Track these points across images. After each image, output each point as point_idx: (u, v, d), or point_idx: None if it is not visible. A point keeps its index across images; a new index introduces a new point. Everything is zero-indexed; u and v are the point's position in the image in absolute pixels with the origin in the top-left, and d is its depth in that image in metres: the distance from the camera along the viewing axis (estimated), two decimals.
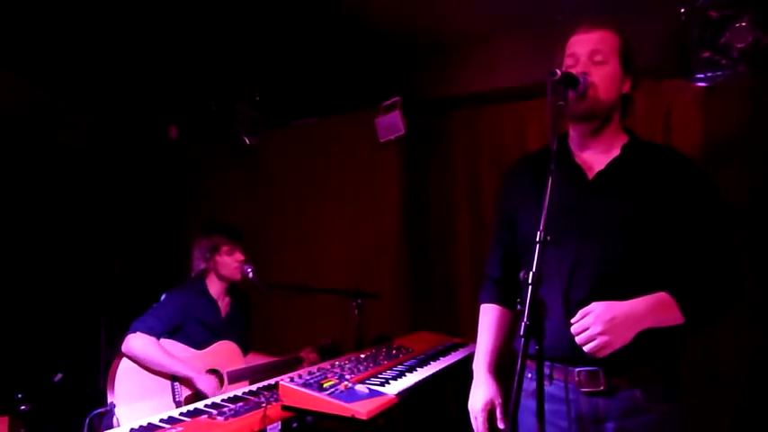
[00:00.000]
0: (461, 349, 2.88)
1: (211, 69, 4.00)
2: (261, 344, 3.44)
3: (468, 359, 1.96)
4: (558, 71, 1.55)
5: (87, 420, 2.48)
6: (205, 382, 2.80)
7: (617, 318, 1.48)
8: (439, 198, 3.72)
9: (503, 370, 1.89)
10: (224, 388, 2.86)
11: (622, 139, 1.75)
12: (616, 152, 1.72)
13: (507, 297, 1.93)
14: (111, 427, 2.43)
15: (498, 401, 1.84)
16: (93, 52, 3.63)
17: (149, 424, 2.10)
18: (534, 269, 1.38)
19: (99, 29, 3.38)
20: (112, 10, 3.18)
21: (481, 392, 1.85)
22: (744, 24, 2.75)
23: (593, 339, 1.47)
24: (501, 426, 1.81)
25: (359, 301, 3.09)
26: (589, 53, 1.68)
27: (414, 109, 3.69)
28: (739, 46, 2.77)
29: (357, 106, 3.88)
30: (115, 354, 2.77)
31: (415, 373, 2.36)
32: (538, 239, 1.41)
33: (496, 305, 1.95)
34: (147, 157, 4.52)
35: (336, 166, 4.01)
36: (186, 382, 2.82)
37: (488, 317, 1.95)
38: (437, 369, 2.48)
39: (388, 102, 3.67)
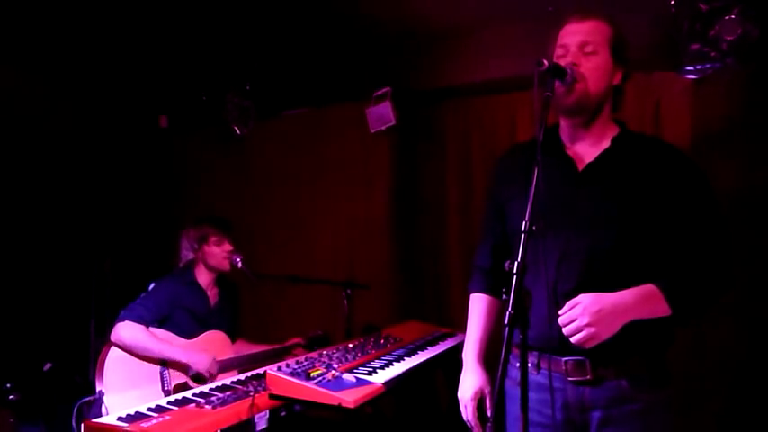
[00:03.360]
0: (450, 339, 2.90)
1: (202, 59, 3.98)
2: (251, 334, 3.45)
3: (457, 348, 1.99)
4: (545, 61, 1.54)
5: (75, 408, 2.48)
6: (198, 358, 2.80)
7: (604, 309, 1.50)
8: (429, 188, 3.73)
9: (492, 359, 1.90)
10: (216, 370, 2.86)
11: (613, 131, 1.75)
12: (606, 144, 1.72)
13: (497, 286, 1.93)
14: (100, 415, 2.43)
15: (488, 390, 1.85)
16: (84, 41, 3.60)
17: (137, 413, 2.10)
18: (519, 259, 1.39)
19: (90, 17, 3.34)
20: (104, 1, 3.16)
21: (470, 381, 1.86)
22: (733, 17, 2.75)
23: (581, 330, 1.48)
24: (490, 414, 1.82)
25: (348, 291, 3.11)
26: (579, 44, 1.67)
27: (404, 99, 3.68)
28: (728, 38, 2.77)
29: (348, 97, 3.87)
30: (104, 343, 2.77)
31: (402, 362, 2.38)
32: (523, 230, 1.41)
33: (486, 294, 1.95)
34: (137, 146, 4.50)
35: (327, 157, 4.00)
36: (177, 367, 2.82)
37: (478, 306, 1.96)
38: (425, 358, 2.49)
39: (379, 92, 3.66)
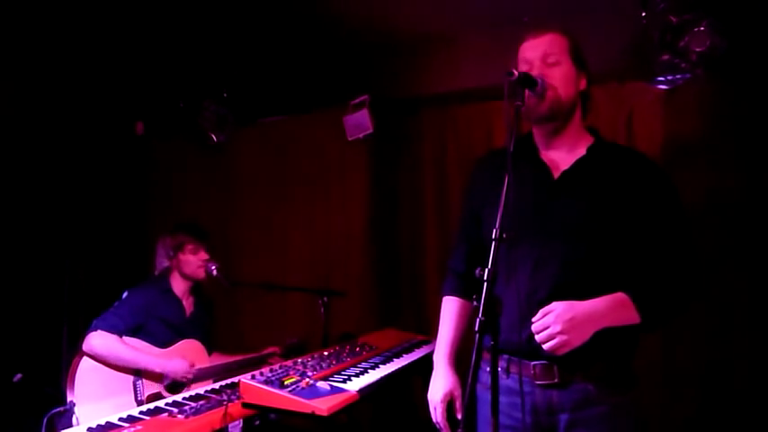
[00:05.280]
0: (426, 346, 2.90)
1: (179, 66, 3.95)
2: (227, 343, 3.42)
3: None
4: (515, 72, 1.58)
5: (45, 420, 2.44)
6: (173, 365, 2.76)
7: (577, 317, 1.52)
8: (407, 196, 3.73)
9: (463, 362, 1.91)
10: (192, 375, 2.83)
11: (587, 140, 1.79)
12: (581, 152, 1.75)
13: (470, 290, 1.94)
14: (71, 426, 2.39)
15: (457, 393, 1.86)
16: (60, 46, 3.56)
17: (108, 423, 2.07)
18: (490, 266, 1.40)
19: (67, 23, 3.31)
20: (81, 6, 3.13)
21: (441, 384, 1.87)
22: (702, 29, 2.82)
23: (553, 338, 1.51)
24: (460, 417, 1.83)
25: (325, 299, 3.09)
26: (541, 56, 1.72)
27: (382, 108, 3.69)
28: (698, 50, 2.84)
29: (326, 105, 3.87)
30: (77, 353, 2.73)
31: (377, 369, 2.38)
32: (494, 237, 1.43)
33: (459, 298, 1.97)
34: (113, 153, 4.44)
35: (304, 165, 3.99)
36: (151, 377, 2.78)
37: (450, 309, 1.97)
38: (400, 366, 2.49)
39: (357, 100, 3.67)
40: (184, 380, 2.79)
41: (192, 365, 2.83)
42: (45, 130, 4.04)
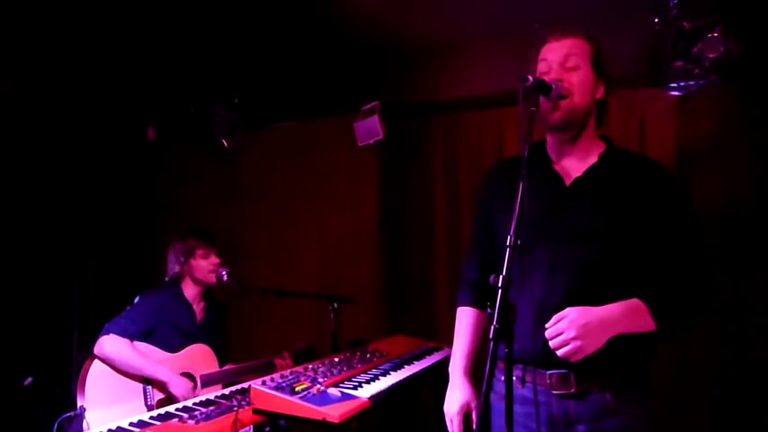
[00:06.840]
0: (436, 353, 2.88)
1: (191, 71, 3.98)
2: (237, 348, 3.41)
3: (445, 363, 1.97)
4: (530, 77, 1.57)
5: (56, 424, 2.44)
6: (178, 385, 2.76)
7: (591, 323, 1.51)
8: (416, 202, 3.73)
9: (479, 373, 1.90)
10: (197, 391, 2.83)
11: (600, 147, 1.78)
12: (593, 159, 1.74)
13: (484, 300, 1.93)
14: (81, 430, 2.39)
15: (474, 404, 1.85)
16: (72, 51, 3.59)
17: (118, 428, 2.06)
18: (504, 273, 1.39)
19: (80, 28, 3.34)
20: (93, 11, 3.15)
21: (457, 395, 1.86)
22: (716, 35, 2.81)
23: (567, 344, 1.49)
24: (476, 428, 1.82)
25: (335, 304, 3.08)
26: (561, 60, 1.71)
27: (393, 114, 3.70)
28: (711, 56, 2.83)
29: (336, 110, 3.88)
30: (87, 356, 2.73)
31: (388, 376, 2.36)
32: (508, 244, 1.42)
33: (473, 308, 1.95)
34: (125, 157, 4.47)
35: (314, 170, 4.00)
36: (159, 385, 2.78)
37: (465, 320, 1.96)
38: (411, 373, 2.47)
39: (368, 106, 3.68)
40: (183, 400, 2.77)
41: (195, 390, 2.82)
42: (58, 135, 4.06)
